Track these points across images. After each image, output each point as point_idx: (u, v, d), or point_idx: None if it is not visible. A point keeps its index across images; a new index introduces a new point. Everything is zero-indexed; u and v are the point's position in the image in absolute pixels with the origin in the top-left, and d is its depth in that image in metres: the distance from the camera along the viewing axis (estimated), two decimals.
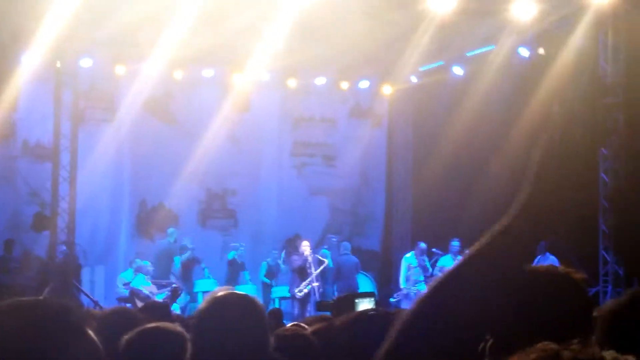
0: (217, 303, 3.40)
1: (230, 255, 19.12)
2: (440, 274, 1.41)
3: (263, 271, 19.09)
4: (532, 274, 2.42)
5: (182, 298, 17.65)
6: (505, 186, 18.52)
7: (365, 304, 6.48)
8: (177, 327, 3.90)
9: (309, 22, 16.59)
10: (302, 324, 6.40)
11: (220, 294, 3.45)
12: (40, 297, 2.03)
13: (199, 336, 3.38)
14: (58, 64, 16.28)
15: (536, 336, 1.53)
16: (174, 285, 17.03)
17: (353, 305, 6.43)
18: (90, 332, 2.02)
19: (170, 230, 18.99)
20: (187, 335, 3.80)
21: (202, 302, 3.43)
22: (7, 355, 1.85)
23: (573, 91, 17.15)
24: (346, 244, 19.19)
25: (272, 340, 3.47)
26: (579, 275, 2.48)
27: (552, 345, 1.36)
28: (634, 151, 16.14)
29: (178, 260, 18.48)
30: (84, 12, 15.31)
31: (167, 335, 3.80)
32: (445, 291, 1.38)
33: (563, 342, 1.65)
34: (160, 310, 6.59)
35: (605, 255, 16.15)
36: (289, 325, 5.27)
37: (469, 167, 19.29)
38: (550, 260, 16.47)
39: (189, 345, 3.73)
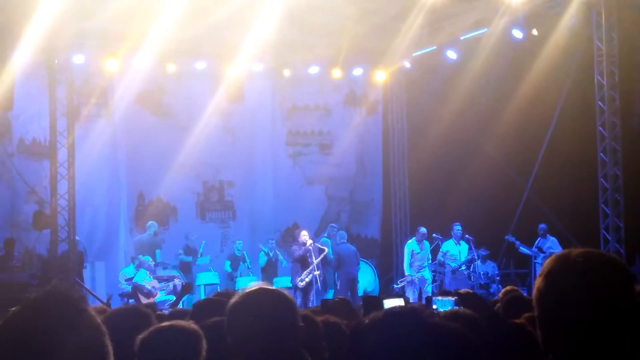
0: (249, 298, 3.39)
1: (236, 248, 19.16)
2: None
3: (262, 262, 18.97)
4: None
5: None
6: (497, 167, 18.58)
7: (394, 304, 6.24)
8: (191, 324, 3.87)
9: (299, 11, 16.54)
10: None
11: (251, 288, 3.44)
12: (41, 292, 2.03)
13: (230, 330, 3.36)
14: (55, 61, 16.19)
15: None
16: (176, 280, 17.03)
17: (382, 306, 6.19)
18: (91, 311, 2.01)
19: (150, 222, 18.92)
20: (202, 333, 3.79)
21: (234, 297, 3.41)
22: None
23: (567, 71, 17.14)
24: (342, 233, 18.95)
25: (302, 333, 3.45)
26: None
27: None
28: (630, 129, 16.13)
29: (159, 254, 18.43)
30: (72, 7, 15.21)
31: (182, 333, 3.77)
32: None
33: None
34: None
35: (606, 234, 16.08)
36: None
37: (462, 150, 19.36)
38: (551, 241, 16.52)
39: (205, 343, 3.73)
